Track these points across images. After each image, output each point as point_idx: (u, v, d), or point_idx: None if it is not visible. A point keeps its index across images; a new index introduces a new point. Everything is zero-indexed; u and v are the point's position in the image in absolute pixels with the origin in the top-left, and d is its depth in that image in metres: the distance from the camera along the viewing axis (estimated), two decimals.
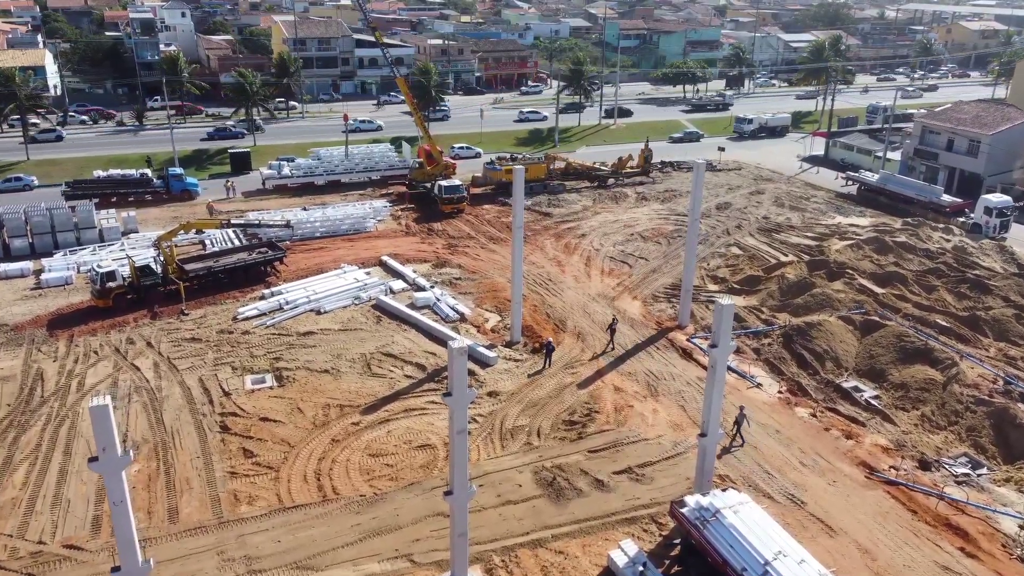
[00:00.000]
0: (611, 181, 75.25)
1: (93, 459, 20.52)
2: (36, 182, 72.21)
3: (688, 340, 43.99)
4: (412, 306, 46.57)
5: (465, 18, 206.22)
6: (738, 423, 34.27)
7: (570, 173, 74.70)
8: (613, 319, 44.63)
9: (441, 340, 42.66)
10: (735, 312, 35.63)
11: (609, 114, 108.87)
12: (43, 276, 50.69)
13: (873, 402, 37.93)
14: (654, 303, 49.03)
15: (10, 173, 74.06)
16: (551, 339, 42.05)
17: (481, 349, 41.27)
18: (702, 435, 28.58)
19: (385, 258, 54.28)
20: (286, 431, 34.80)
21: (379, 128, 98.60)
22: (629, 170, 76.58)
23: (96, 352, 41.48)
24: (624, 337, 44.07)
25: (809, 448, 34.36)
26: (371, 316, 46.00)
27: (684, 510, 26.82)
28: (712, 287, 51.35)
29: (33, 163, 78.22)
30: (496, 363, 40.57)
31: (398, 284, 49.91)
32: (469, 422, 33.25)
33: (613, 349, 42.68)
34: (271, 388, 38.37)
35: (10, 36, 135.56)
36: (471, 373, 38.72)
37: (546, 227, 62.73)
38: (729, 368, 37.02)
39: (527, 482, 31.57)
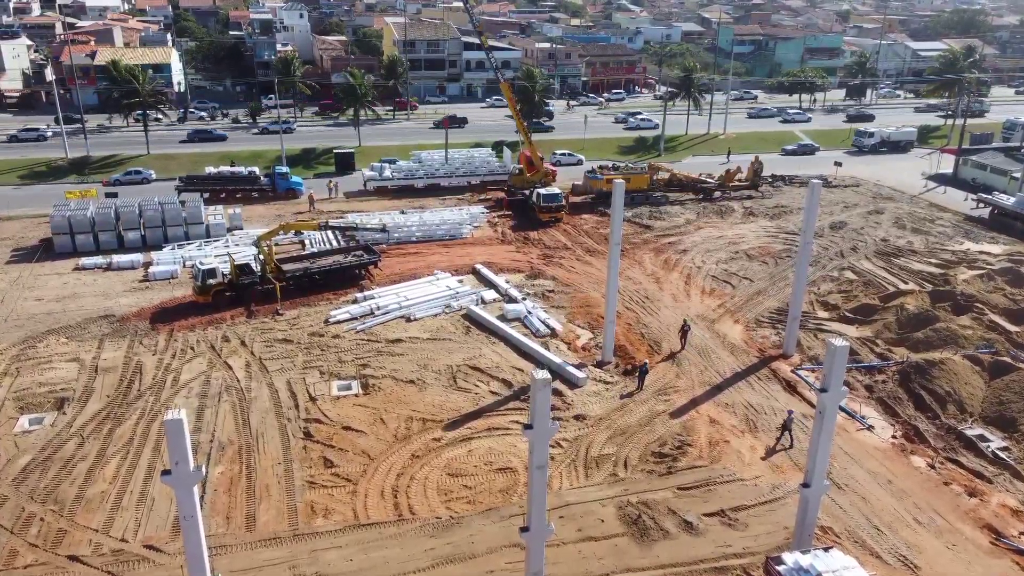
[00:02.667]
0: (717, 194, 72.13)
1: (166, 472, 20.22)
2: (154, 175, 75.44)
3: (793, 371, 41.05)
4: (503, 318, 45.48)
5: (575, 21, 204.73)
6: (786, 427, 34.20)
7: (674, 184, 72.06)
8: (685, 322, 43.54)
9: (530, 355, 41.41)
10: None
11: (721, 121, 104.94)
12: (151, 269, 52.49)
13: (1002, 455, 34.12)
14: (757, 328, 46.15)
15: (131, 166, 77.72)
16: (647, 360, 40.09)
17: (570, 368, 39.72)
18: (805, 485, 26.07)
19: (479, 266, 53.46)
20: (367, 442, 34.27)
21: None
22: (737, 183, 73.21)
23: (193, 348, 42.31)
24: (723, 364, 41.55)
25: (925, 504, 31.11)
26: (460, 326, 45.18)
27: (781, 568, 24.44)
28: (822, 314, 47.98)
29: (153, 157, 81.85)
30: (585, 384, 38.93)
31: (490, 294, 48.94)
32: (553, 446, 31.93)
33: (683, 350, 42.25)
34: (356, 395, 38.04)
35: (143, 34, 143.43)
36: (558, 393, 37.33)
37: (646, 240, 60.49)
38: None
39: (610, 517, 29.81)
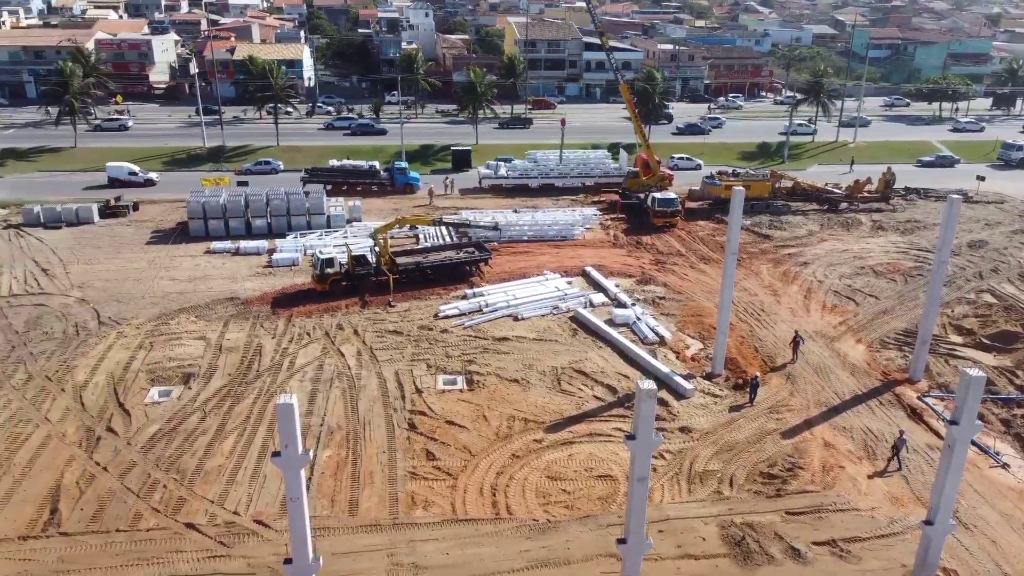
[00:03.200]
0: (844, 205, 68.68)
1: (276, 454, 20.95)
2: (282, 166, 78.93)
3: (919, 398, 38.48)
4: (610, 322, 44.86)
5: (699, 23, 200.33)
6: (896, 448, 33.12)
7: (797, 193, 69.15)
8: (796, 333, 42.31)
9: (637, 363, 40.66)
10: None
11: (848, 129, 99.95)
12: (274, 256, 54.90)
13: None
14: (882, 350, 43.56)
15: (260, 156, 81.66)
16: (758, 374, 38.62)
17: (677, 378, 38.71)
18: (928, 523, 24.33)
19: (589, 269, 52.98)
20: (469, 438, 34.53)
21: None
22: (866, 194, 69.47)
23: (309, 334, 43.90)
24: (841, 385, 39.44)
25: None
26: (567, 328, 44.88)
27: None
28: (955, 339, 44.79)
29: (281, 148, 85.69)
30: (693, 396, 37.84)
31: (599, 297, 48.41)
32: (655, 457, 31.17)
33: (795, 363, 40.97)
34: (461, 391, 38.42)
35: (278, 31, 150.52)
36: (663, 403, 36.45)
37: (764, 251, 58.29)
38: None
39: (712, 536, 28.80)
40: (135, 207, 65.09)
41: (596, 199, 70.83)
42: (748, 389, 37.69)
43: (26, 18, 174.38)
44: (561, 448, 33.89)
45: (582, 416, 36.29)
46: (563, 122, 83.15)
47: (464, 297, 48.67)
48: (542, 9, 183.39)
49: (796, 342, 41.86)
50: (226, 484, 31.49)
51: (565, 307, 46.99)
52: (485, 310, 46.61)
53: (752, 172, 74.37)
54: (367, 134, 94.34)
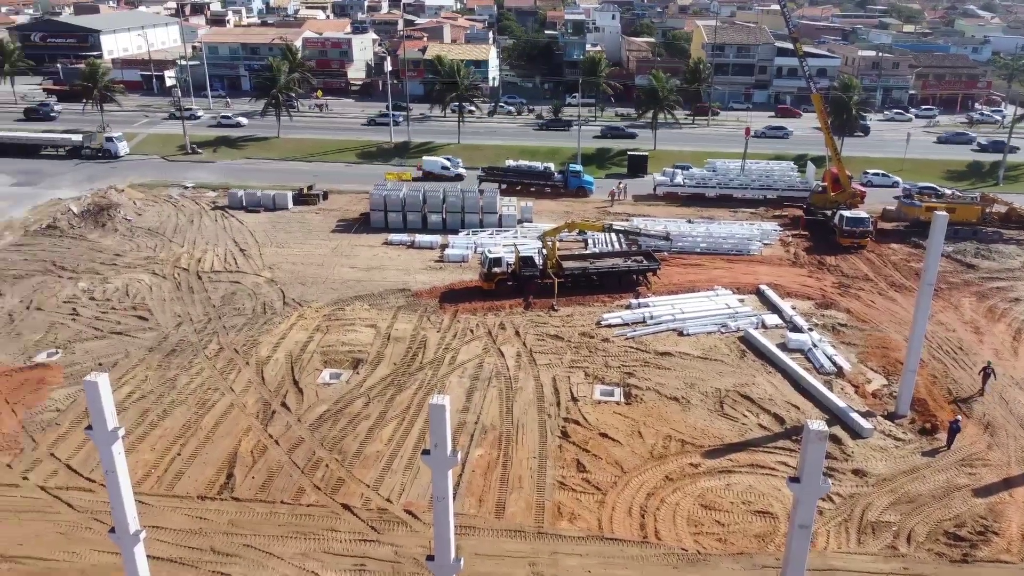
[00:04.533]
0: None
1: (426, 452, 21.14)
2: (461, 164, 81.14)
3: None
4: (783, 347, 42.16)
5: (908, 27, 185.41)
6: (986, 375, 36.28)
7: (1012, 220, 61.96)
8: (988, 364, 38.67)
9: (809, 393, 37.91)
10: None
11: None
12: (446, 251, 56.44)
13: None
14: None
15: (441, 154, 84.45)
16: (959, 417, 34.82)
17: (855, 415, 35.63)
18: None
19: (764, 287, 50.17)
20: (622, 453, 33.59)
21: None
22: None
23: (472, 331, 44.64)
24: None
25: None
26: (735, 349, 42.69)
27: None
28: None
29: (461, 146, 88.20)
30: (871, 436, 34.66)
31: (772, 319, 45.67)
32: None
33: (983, 395, 37.36)
34: (618, 403, 37.52)
35: (468, 32, 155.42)
36: (836, 440, 33.72)
37: (967, 282, 52.63)
38: None
39: None
40: (325, 196, 69.34)
41: (778, 213, 67.12)
42: (947, 432, 34.08)
43: (247, 17, 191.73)
44: (718, 476, 32.16)
45: (744, 444, 34.27)
46: (748, 131, 79.51)
47: (628, 307, 47.61)
48: (733, 12, 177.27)
49: (986, 374, 38.12)
50: (382, 471, 32.53)
51: (735, 326, 44.74)
52: (649, 322, 45.34)
53: (959, 194, 67.55)
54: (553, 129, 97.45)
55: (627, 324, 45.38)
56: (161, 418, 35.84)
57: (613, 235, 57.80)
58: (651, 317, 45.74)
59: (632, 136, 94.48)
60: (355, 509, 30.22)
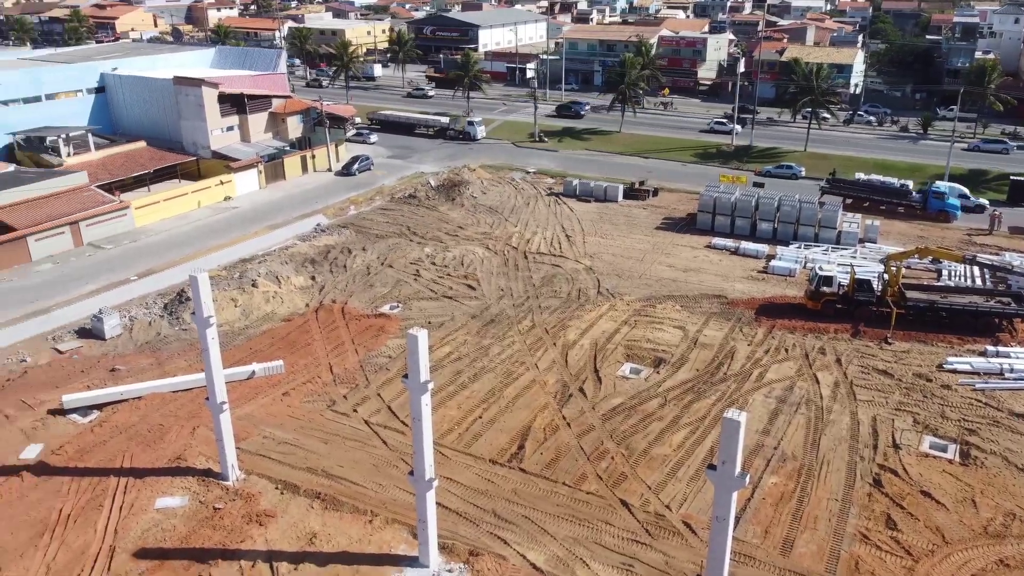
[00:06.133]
0: None
1: (712, 467, 19.81)
2: (803, 172, 75.90)
3: None
4: None
5: None
6: None
7: None
8: None
9: None
10: None
11: None
12: (772, 262, 53.10)
13: None
14: None
15: (784, 160, 79.68)
16: None
17: None
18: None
19: None
20: (947, 520, 28.75)
21: None
22: None
23: (786, 350, 41.44)
24: None
25: None
26: None
27: None
28: None
29: (806, 155, 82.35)
30: None
31: None
32: None
33: None
34: (950, 461, 32.24)
35: (834, 34, 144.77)
36: None
37: None
38: None
39: None
40: (655, 192, 69.29)
41: None
42: None
43: (610, 16, 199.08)
44: None
45: None
46: None
47: (983, 353, 40.64)
48: None
49: None
50: (666, 475, 31.56)
51: None
52: (1008, 375, 38.25)
53: None
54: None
55: (977, 373, 38.76)
56: (471, 380, 38.57)
57: (976, 269, 49.79)
58: (1011, 370, 38.55)
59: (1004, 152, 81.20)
60: (632, 508, 29.69)
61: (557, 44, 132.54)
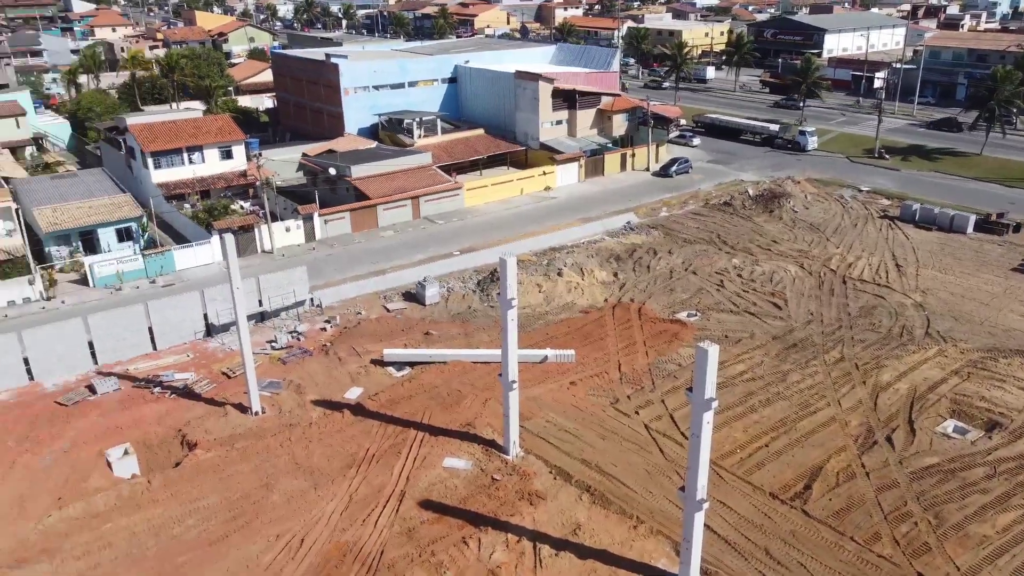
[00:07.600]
0: None
1: None
2: None
3: None
4: None
5: None
6: None
7: None
8: None
9: None
10: None
11: None
12: None
13: None
14: None
15: None
16: None
17: None
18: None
19: None
20: None
21: None
22: None
23: None
24: None
25: None
26: None
27: None
28: None
29: None
30: None
31: None
32: None
33: None
34: None
35: None
36: None
37: None
38: None
39: None
40: (1016, 228, 59.34)
41: None
42: None
43: (986, 22, 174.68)
44: None
45: None
46: None
47: None
48: None
49: None
50: (982, 560, 26.95)
51: None
52: None
53: None
54: None
55: None
56: (762, 405, 36.25)
57: None
58: None
59: None
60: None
61: (915, 52, 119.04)
